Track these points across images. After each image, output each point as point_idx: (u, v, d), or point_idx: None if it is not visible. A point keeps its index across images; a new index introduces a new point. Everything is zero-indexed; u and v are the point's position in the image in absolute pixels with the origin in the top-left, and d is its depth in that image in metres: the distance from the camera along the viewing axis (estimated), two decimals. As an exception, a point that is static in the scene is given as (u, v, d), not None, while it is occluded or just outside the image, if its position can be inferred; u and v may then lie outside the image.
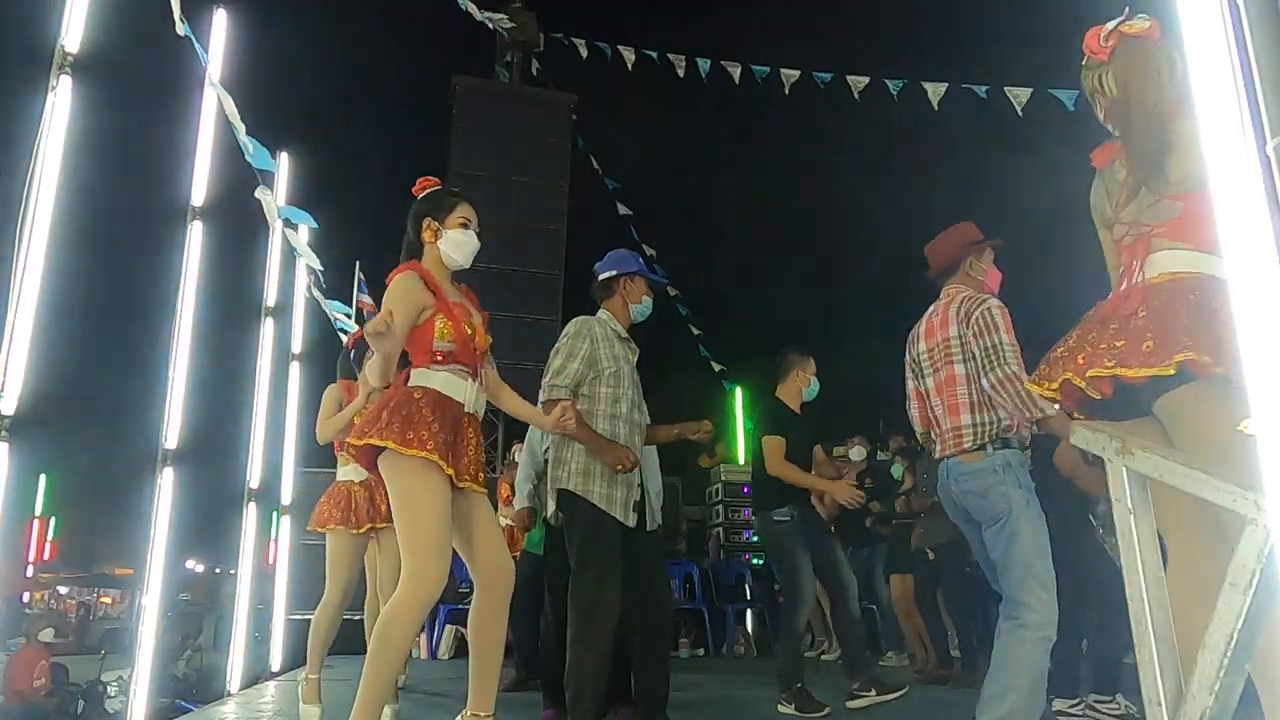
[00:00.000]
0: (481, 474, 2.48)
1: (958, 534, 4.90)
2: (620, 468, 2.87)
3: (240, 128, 4.16)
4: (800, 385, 4.24)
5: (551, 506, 3.09)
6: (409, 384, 2.43)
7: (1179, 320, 1.59)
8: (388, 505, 3.69)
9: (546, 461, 3.93)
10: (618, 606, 2.84)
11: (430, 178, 2.64)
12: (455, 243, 2.53)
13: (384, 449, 2.31)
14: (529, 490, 4.15)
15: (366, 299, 7.42)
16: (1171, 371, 1.56)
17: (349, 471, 3.76)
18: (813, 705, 3.73)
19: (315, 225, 5.70)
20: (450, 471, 2.31)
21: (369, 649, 2.28)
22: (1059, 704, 3.66)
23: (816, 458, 4.38)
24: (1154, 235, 1.75)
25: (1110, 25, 1.89)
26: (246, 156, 4.45)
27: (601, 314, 3.21)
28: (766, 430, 4.11)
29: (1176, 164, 1.72)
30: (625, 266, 3.24)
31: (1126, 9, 1.88)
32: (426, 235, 2.53)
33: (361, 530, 3.68)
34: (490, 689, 2.46)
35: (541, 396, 3.05)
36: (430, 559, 2.25)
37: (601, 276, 3.25)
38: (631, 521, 2.95)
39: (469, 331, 2.47)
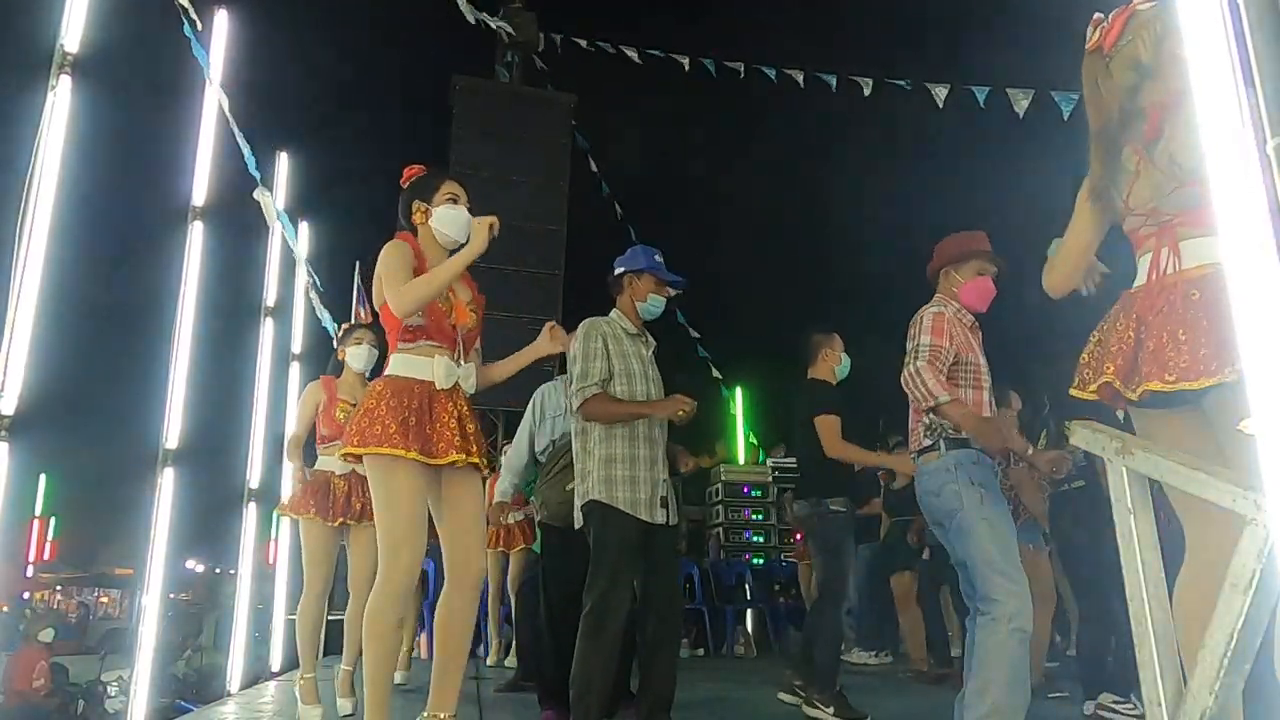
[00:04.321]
0: (473, 446, 2.46)
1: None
2: (681, 414, 2.89)
3: (219, 133, 4.14)
4: (832, 364, 4.07)
5: (579, 519, 3.08)
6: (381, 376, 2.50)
7: (1228, 321, 1.57)
8: (364, 503, 3.71)
9: (538, 462, 3.95)
10: (627, 607, 2.85)
11: (415, 166, 2.66)
12: (445, 218, 2.56)
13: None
14: (505, 488, 4.23)
15: (364, 311, 7.40)
16: (1235, 379, 1.51)
17: (333, 463, 3.75)
18: (852, 711, 3.64)
19: (294, 239, 5.75)
20: (412, 455, 2.33)
21: (363, 648, 2.33)
22: (1105, 697, 3.63)
23: None
24: (1177, 224, 1.72)
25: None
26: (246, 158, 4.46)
27: (612, 313, 3.20)
28: (816, 410, 3.91)
29: (1186, 151, 1.68)
30: (633, 263, 3.20)
31: (1096, 15, 1.88)
32: (417, 217, 2.57)
33: (335, 523, 3.66)
34: (453, 688, 2.43)
35: (574, 403, 3.02)
36: (399, 548, 2.32)
37: (614, 273, 3.23)
38: (660, 519, 2.96)
39: (444, 307, 2.48)
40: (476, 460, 2.48)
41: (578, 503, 3.04)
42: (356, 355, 3.90)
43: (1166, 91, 1.77)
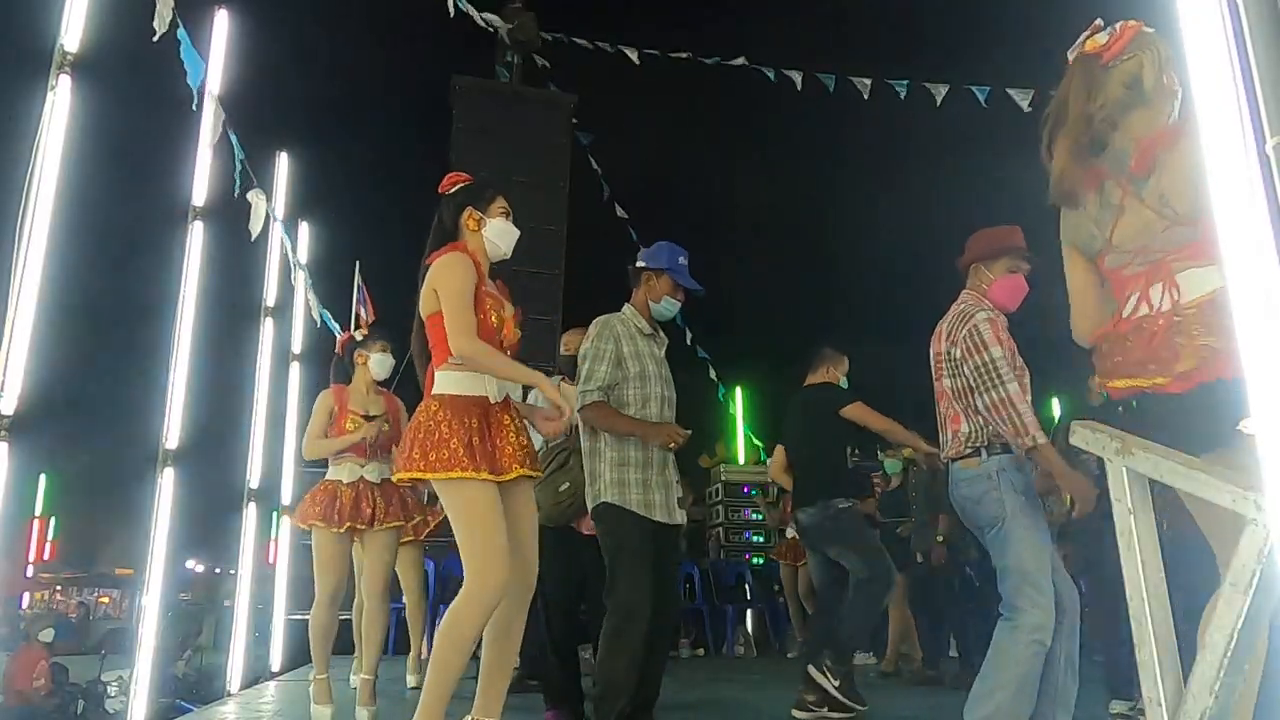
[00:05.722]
0: (531, 458, 2.47)
1: (952, 537, 4.97)
2: (673, 445, 2.85)
3: (214, 135, 4.12)
4: (832, 380, 4.13)
5: (589, 521, 3.07)
6: (430, 393, 2.44)
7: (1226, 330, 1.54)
8: (373, 509, 3.69)
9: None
10: (649, 608, 2.82)
11: (460, 174, 2.66)
12: (500, 231, 2.56)
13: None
14: None
15: (364, 312, 7.37)
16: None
17: (341, 471, 3.73)
18: (855, 695, 3.62)
19: (292, 247, 5.75)
20: (484, 476, 2.32)
21: (433, 650, 2.29)
22: (1117, 706, 3.66)
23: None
24: (1172, 260, 1.68)
25: (1078, 40, 1.88)
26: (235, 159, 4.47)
27: (625, 309, 3.15)
28: (841, 404, 3.93)
29: (1180, 193, 1.66)
30: (655, 261, 3.14)
31: (1097, 21, 1.87)
32: (470, 224, 2.55)
33: (342, 529, 3.62)
34: (500, 694, 2.42)
35: (576, 405, 3.00)
36: (487, 567, 2.28)
37: (636, 265, 3.18)
38: (676, 519, 2.95)
39: (495, 323, 2.46)
40: (536, 472, 2.49)
41: (589, 504, 3.01)
42: (382, 363, 3.85)
43: (1157, 124, 1.76)
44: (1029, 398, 2.67)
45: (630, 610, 2.80)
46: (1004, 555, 2.53)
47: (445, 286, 2.40)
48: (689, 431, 2.95)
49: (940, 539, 5.02)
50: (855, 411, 3.90)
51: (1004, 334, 2.65)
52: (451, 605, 2.30)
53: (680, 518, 2.97)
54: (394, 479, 2.46)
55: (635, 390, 2.99)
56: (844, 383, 4.16)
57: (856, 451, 6.39)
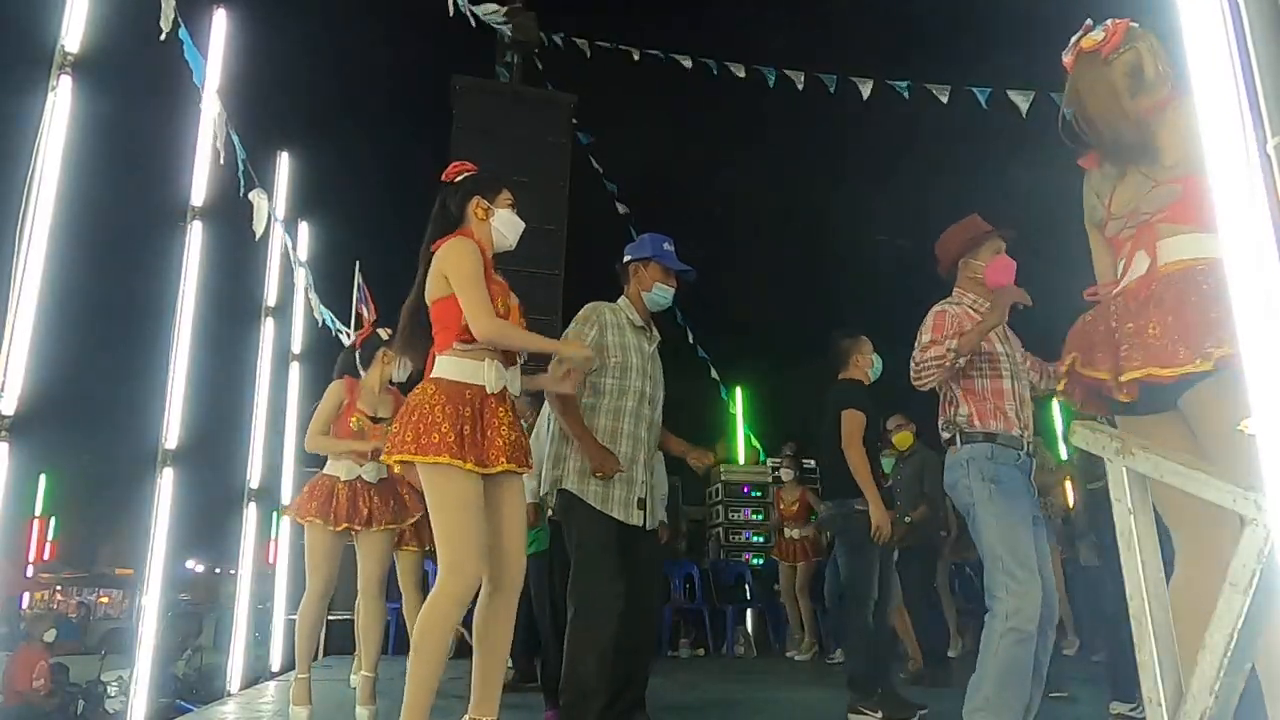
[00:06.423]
0: (522, 453, 2.46)
1: (913, 537, 5.01)
2: (599, 475, 2.79)
3: (214, 135, 4.12)
4: (865, 367, 4.06)
5: (552, 503, 3.06)
6: (426, 377, 2.44)
7: (1206, 313, 1.61)
8: (370, 509, 3.68)
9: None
10: (617, 607, 2.76)
11: (464, 163, 2.65)
12: (508, 222, 2.58)
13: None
14: (532, 486, 4.11)
15: (365, 311, 7.32)
16: (1209, 368, 1.58)
17: (338, 468, 3.72)
18: (905, 708, 3.61)
19: (292, 246, 5.73)
20: (469, 466, 2.32)
21: (412, 648, 2.29)
22: (1117, 706, 3.67)
23: None
24: (1157, 222, 1.77)
25: (1071, 42, 1.98)
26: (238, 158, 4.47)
27: (620, 300, 3.13)
28: (845, 404, 3.89)
29: (1170, 149, 1.75)
30: (639, 251, 3.12)
31: (1087, 21, 1.96)
32: (478, 213, 2.56)
33: (339, 529, 3.61)
34: (495, 692, 2.42)
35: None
36: (462, 556, 2.28)
37: (623, 260, 3.17)
38: (634, 520, 2.87)
39: (503, 310, 2.46)
40: (524, 468, 2.48)
41: (550, 487, 2.97)
42: (405, 367, 3.83)
43: (1154, 100, 1.87)
44: (1011, 388, 2.71)
45: (592, 607, 2.73)
46: (980, 541, 2.59)
47: (458, 270, 2.39)
48: (619, 469, 2.88)
49: (908, 519, 5.08)
50: (847, 417, 3.85)
51: (965, 323, 2.69)
52: (427, 600, 2.30)
53: (638, 520, 2.87)
54: (385, 459, 2.44)
55: (614, 380, 2.95)
56: (877, 364, 4.08)
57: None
